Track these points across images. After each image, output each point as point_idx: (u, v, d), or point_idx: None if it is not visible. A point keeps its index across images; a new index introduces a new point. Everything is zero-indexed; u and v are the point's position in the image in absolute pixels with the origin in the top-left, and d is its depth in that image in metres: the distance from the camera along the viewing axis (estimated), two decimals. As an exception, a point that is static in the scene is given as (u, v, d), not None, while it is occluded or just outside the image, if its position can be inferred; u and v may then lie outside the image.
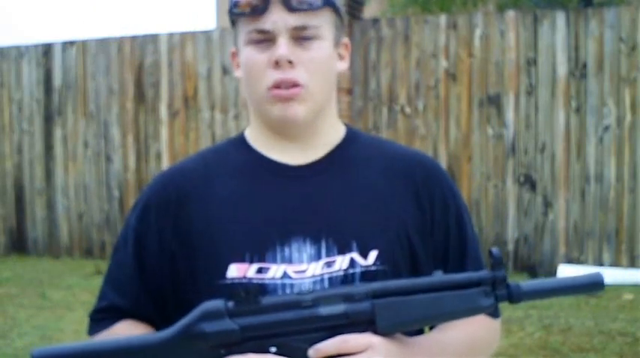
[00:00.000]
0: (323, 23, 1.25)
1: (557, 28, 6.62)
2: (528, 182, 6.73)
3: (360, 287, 1.13)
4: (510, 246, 6.79)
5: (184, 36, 7.74)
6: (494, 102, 6.79)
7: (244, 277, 1.20)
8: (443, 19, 7.02)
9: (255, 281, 1.19)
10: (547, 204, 6.68)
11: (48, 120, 8.20)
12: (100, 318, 1.33)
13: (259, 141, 1.32)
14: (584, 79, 6.56)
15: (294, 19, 1.22)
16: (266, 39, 1.23)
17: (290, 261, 1.21)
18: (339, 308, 1.11)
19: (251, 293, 1.10)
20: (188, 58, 7.69)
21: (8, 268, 7.57)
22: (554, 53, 6.62)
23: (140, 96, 7.88)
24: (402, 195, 1.28)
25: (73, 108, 8.11)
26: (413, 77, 7.00)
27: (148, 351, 1.13)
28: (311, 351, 1.10)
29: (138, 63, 7.88)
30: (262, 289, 1.17)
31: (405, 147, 1.40)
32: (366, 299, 1.12)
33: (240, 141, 1.34)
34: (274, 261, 1.21)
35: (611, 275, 6.30)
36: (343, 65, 1.33)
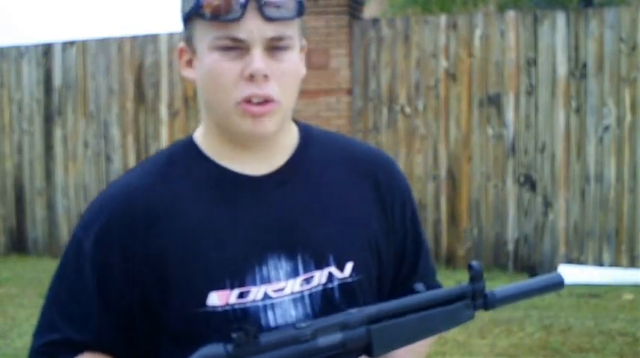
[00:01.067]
0: (294, 33, 1.17)
1: (557, 28, 6.62)
2: (528, 182, 6.73)
3: (356, 315, 1.12)
4: (510, 246, 6.79)
5: (184, 36, 7.73)
6: (494, 102, 6.79)
7: (227, 304, 1.13)
8: (443, 19, 7.02)
9: (237, 307, 1.14)
10: (547, 204, 6.68)
11: (48, 120, 8.20)
12: (51, 352, 1.18)
13: (215, 151, 1.21)
14: (584, 79, 6.57)
15: (270, 30, 1.12)
16: (236, 47, 1.12)
17: (269, 281, 1.15)
18: (336, 337, 1.10)
19: (250, 333, 1.06)
20: (188, 58, 7.69)
21: (8, 268, 7.57)
22: (554, 53, 6.62)
23: (140, 96, 7.88)
24: (367, 197, 1.25)
25: (73, 108, 8.11)
26: (413, 77, 7.00)
27: None
28: None
29: (138, 63, 7.88)
30: (244, 314, 1.14)
31: (361, 144, 1.35)
32: (361, 326, 1.12)
33: (193, 150, 1.22)
34: (254, 283, 1.15)
35: (611, 275, 6.30)
36: (304, 70, 1.23)
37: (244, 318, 1.13)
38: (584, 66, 6.56)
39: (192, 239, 1.15)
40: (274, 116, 1.15)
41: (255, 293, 1.14)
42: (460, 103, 6.89)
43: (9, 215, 8.40)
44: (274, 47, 1.14)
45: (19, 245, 8.37)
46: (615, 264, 6.53)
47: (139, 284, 1.15)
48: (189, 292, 1.14)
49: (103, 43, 8.01)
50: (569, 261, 6.61)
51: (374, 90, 7.10)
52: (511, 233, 6.79)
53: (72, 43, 8.14)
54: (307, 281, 1.17)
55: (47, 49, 8.21)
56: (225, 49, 1.13)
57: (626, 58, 6.46)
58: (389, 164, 1.31)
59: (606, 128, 6.52)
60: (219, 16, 1.11)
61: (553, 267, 6.57)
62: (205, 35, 1.14)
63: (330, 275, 1.18)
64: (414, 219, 1.31)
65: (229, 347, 1.06)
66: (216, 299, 1.13)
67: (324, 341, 1.10)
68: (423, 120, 6.99)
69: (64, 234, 8.15)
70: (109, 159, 7.99)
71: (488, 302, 1.20)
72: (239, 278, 1.14)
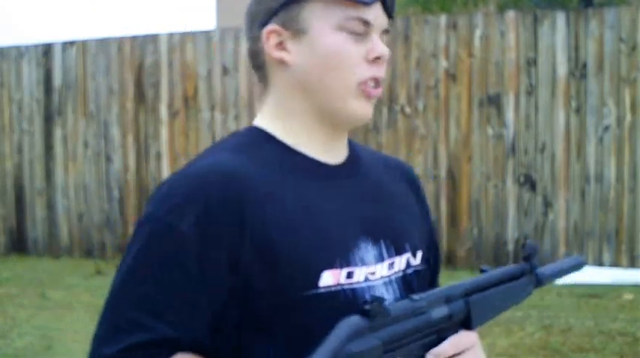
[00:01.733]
0: None
1: (557, 29, 6.62)
2: (528, 182, 6.73)
3: (455, 288, 1.16)
4: (510, 246, 6.79)
5: (184, 36, 7.74)
6: (494, 102, 6.79)
7: (338, 284, 1.11)
8: (443, 19, 7.02)
9: (347, 287, 1.12)
10: (547, 204, 6.69)
11: (48, 120, 8.20)
12: (142, 356, 1.03)
13: (292, 137, 1.19)
14: (584, 79, 6.57)
15: (386, 22, 1.20)
16: (361, 32, 1.16)
17: (365, 263, 1.16)
18: (443, 310, 1.13)
19: (380, 304, 1.04)
20: (188, 58, 7.69)
21: (8, 268, 7.57)
22: (554, 53, 6.62)
23: (140, 96, 7.88)
24: (412, 199, 1.32)
25: (73, 108, 8.11)
26: (413, 77, 7.00)
27: None
28: (430, 357, 1.10)
29: (138, 63, 7.88)
30: (353, 295, 1.12)
31: (384, 153, 1.44)
32: (461, 299, 1.16)
33: (266, 137, 1.19)
34: (356, 263, 1.14)
35: (611, 275, 6.30)
36: None
37: (353, 299, 1.11)
38: (584, 66, 6.56)
39: (298, 222, 1.11)
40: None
41: (359, 274, 1.15)
42: (460, 103, 6.89)
43: (9, 215, 8.40)
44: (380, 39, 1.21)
45: (19, 245, 8.37)
46: (615, 264, 6.53)
47: (243, 269, 1.07)
48: (301, 272, 1.08)
49: (103, 43, 8.01)
50: (569, 261, 6.60)
51: (374, 91, 7.09)
52: (511, 233, 6.79)
53: (72, 43, 8.14)
54: (390, 266, 1.20)
55: (47, 49, 8.21)
56: (352, 32, 1.16)
57: (626, 58, 6.46)
58: (412, 170, 1.39)
59: (606, 128, 6.52)
60: None
61: (553, 267, 6.57)
62: (329, 15, 1.15)
63: (408, 262, 1.22)
64: (432, 223, 1.39)
65: (365, 319, 1.04)
66: (330, 278, 1.10)
67: (436, 313, 1.12)
68: (423, 120, 6.99)
69: (64, 234, 8.15)
70: (109, 159, 7.98)
71: (540, 279, 1.29)
72: (346, 258, 1.14)
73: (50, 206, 8.22)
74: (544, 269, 1.32)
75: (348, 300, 1.11)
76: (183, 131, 7.72)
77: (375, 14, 1.17)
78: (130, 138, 7.90)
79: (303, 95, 1.18)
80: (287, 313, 1.08)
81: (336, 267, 1.12)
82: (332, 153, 1.21)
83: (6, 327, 5.28)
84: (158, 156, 7.80)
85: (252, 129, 1.21)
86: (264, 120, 1.21)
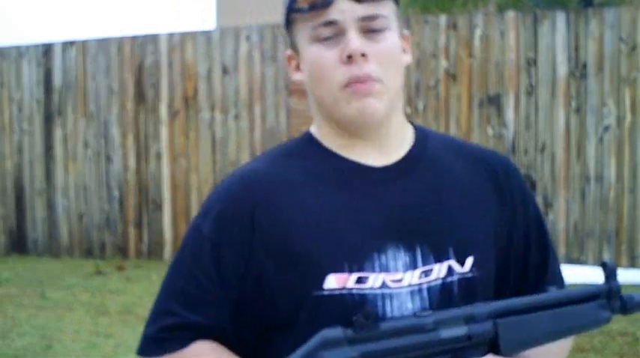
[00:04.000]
0: (389, 13, 1.19)
1: (557, 29, 6.62)
2: (528, 182, 6.73)
3: (481, 307, 1.09)
4: (510, 246, 6.78)
5: (184, 36, 7.74)
6: (494, 102, 6.79)
7: (344, 288, 1.12)
8: (443, 19, 7.02)
9: (355, 292, 1.12)
10: (547, 205, 6.69)
11: (48, 120, 8.20)
12: (167, 338, 1.17)
13: (333, 142, 1.22)
14: (584, 79, 6.57)
15: (362, 9, 1.15)
16: (333, 34, 1.15)
17: (387, 270, 1.14)
18: (461, 330, 1.07)
19: (370, 317, 1.05)
20: (188, 58, 7.69)
21: (8, 268, 7.56)
22: (554, 53, 6.62)
23: (140, 97, 7.88)
24: (487, 193, 1.24)
25: (73, 108, 8.11)
26: (413, 77, 7.00)
27: None
28: None
29: (138, 63, 7.88)
30: (362, 300, 1.12)
31: (479, 145, 1.35)
32: (488, 320, 1.09)
33: (311, 142, 1.24)
34: (372, 270, 1.13)
35: (611, 275, 6.30)
36: (407, 58, 1.27)
37: (362, 304, 1.12)
38: (584, 66, 6.56)
39: (312, 224, 1.15)
40: (380, 97, 1.16)
41: (374, 280, 1.13)
42: (460, 103, 6.89)
43: (9, 215, 8.40)
44: (370, 29, 1.16)
45: (19, 245, 8.36)
46: (615, 264, 6.50)
47: (255, 268, 1.16)
48: (307, 274, 1.13)
49: (103, 43, 8.01)
50: (569, 261, 6.61)
51: (374, 91, 7.09)
52: (511, 233, 6.78)
53: (72, 43, 8.14)
54: (426, 274, 1.15)
55: (47, 49, 8.21)
56: (323, 39, 1.16)
57: (626, 58, 6.46)
58: (506, 162, 1.30)
59: (606, 128, 6.52)
60: (315, 5, 1.15)
61: (553, 267, 6.57)
62: (304, 30, 1.18)
63: (450, 269, 1.16)
64: (537, 218, 1.29)
65: (349, 331, 1.05)
66: (334, 281, 1.12)
67: (447, 332, 1.07)
68: (423, 120, 6.98)
69: (64, 234, 8.15)
70: (109, 159, 7.98)
71: (627, 305, 1.15)
72: (358, 263, 1.13)
73: (50, 206, 8.21)
74: (638, 295, 1.17)
75: (356, 305, 1.12)
76: (183, 131, 7.72)
77: (341, 9, 1.14)
78: (130, 138, 7.90)
79: (318, 108, 1.23)
80: (302, 309, 1.13)
81: (344, 271, 1.13)
82: (373, 156, 1.20)
83: (6, 327, 5.28)
84: (158, 156, 7.80)
85: (305, 135, 1.27)
86: (313, 128, 1.27)
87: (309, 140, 1.24)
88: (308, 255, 1.14)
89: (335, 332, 1.06)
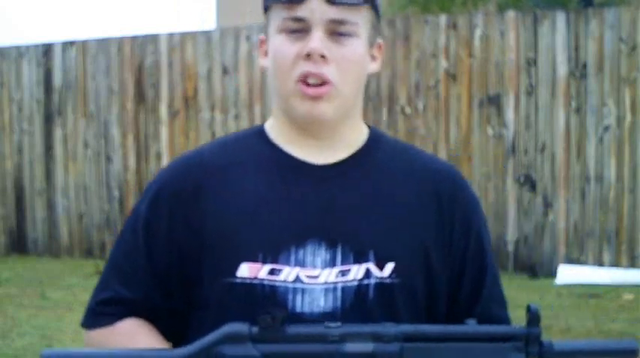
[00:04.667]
0: (360, 21, 1.19)
1: (557, 29, 6.62)
2: (528, 182, 6.73)
3: (391, 328, 1.08)
4: (510, 247, 6.78)
5: (184, 36, 7.74)
6: (494, 102, 6.79)
7: (255, 278, 1.15)
8: (443, 19, 7.02)
9: (265, 283, 1.14)
10: (547, 205, 6.68)
11: (48, 120, 8.20)
12: (102, 312, 1.24)
13: (282, 136, 1.24)
14: (584, 79, 6.57)
15: (332, 12, 1.16)
16: (300, 29, 1.17)
17: (303, 265, 1.15)
18: (366, 347, 1.06)
19: (277, 319, 1.06)
20: (188, 58, 7.69)
21: (8, 268, 7.56)
22: (554, 53, 6.62)
23: (140, 97, 7.88)
24: (425, 207, 1.23)
25: (73, 108, 8.11)
26: (413, 77, 7.00)
27: None
28: None
29: (138, 63, 7.88)
30: (272, 292, 1.14)
31: (432, 157, 1.35)
32: (396, 341, 1.07)
33: (261, 134, 1.27)
34: (288, 263, 1.15)
35: (611, 275, 6.30)
36: (375, 66, 1.28)
37: (272, 296, 1.14)
38: (584, 66, 6.56)
39: (232, 212, 1.19)
40: (332, 100, 1.18)
41: (287, 273, 1.14)
42: (460, 103, 6.89)
43: (9, 215, 8.40)
44: (337, 32, 1.17)
45: (19, 245, 8.36)
46: (615, 264, 6.53)
47: (178, 250, 1.20)
48: (221, 261, 1.16)
49: (103, 43, 8.01)
50: (569, 261, 6.61)
51: (374, 91, 7.09)
52: (511, 233, 6.78)
53: (72, 43, 8.14)
54: (343, 273, 1.15)
55: (47, 49, 8.21)
56: (290, 31, 1.18)
57: (626, 58, 6.46)
58: (456, 180, 1.28)
59: (606, 128, 6.52)
60: None
61: (553, 267, 6.58)
62: (274, 19, 1.20)
63: (368, 272, 1.16)
64: (478, 240, 1.26)
65: (254, 329, 1.06)
66: (246, 270, 1.15)
67: (352, 347, 1.06)
68: (423, 120, 6.99)
69: (64, 234, 8.15)
70: (109, 159, 7.98)
71: (545, 352, 1.10)
72: (273, 254, 1.15)
73: (50, 206, 8.21)
74: (563, 344, 1.12)
75: (266, 296, 1.14)
76: (183, 131, 7.72)
77: (312, 8, 1.15)
78: (130, 138, 7.90)
79: (274, 97, 1.26)
80: (216, 294, 1.16)
81: (257, 261, 1.15)
82: (318, 154, 1.22)
83: (6, 327, 5.28)
84: (158, 156, 7.80)
85: (257, 127, 1.30)
86: (268, 121, 1.30)
87: (258, 133, 1.27)
88: (226, 241, 1.17)
89: (240, 327, 1.07)
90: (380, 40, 1.27)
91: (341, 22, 1.17)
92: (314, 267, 1.15)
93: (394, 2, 10.96)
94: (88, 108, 8.05)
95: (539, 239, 6.72)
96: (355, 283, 1.15)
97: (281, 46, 1.19)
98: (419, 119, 7.00)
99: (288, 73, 1.18)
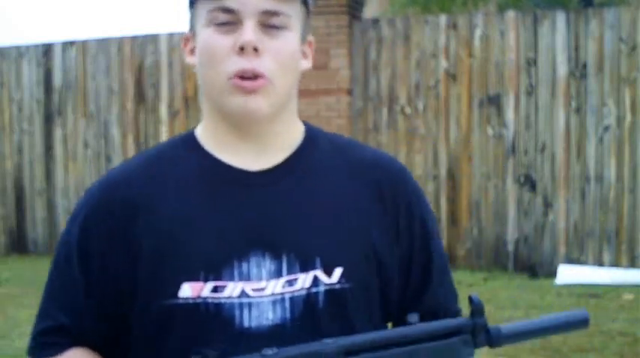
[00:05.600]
0: (293, 14, 1.13)
1: (557, 29, 6.62)
2: (528, 182, 6.73)
3: (329, 345, 1.02)
4: (510, 247, 6.79)
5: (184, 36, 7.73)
6: (494, 102, 6.79)
7: (199, 296, 1.09)
8: (443, 19, 7.02)
9: (209, 301, 1.09)
10: (547, 205, 6.68)
11: (48, 120, 8.20)
12: (47, 342, 1.17)
13: (213, 141, 1.18)
14: (584, 79, 6.57)
15: (264, 2, 1.10)
16: (230, 21, 1.10)
17: (248, 278, 1.10)
18: None
19: (210, 357, 1.02)
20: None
21: (8, 268, 7.56)
22: (554, 53, 6.62)
23: (140, 97, 7.88)
24: (367, 203, 1.18)
25: (73, 108, 8.11)
26: (413, 77, 7.00)
27: None
28: None
29: (138, 63, 7.88)
30: (217, 310, 1.09)
31: (369, 149, 1.28)
32: (338, 357, 1.02)
33: (191, 142, 1.20)
34: (231, 278, 1.09)
35: (611, 275, 6.30)
36: (306, 64, 1.20)
37: (218, 313, 1.09)
38: (584, 66, 6.56)
39: (168, 231, 1.12)
40: (267, 95, 1.11)
41: (232, 289, 1.09)
42: (460, 103, 6.89)
43: (9, 215, 8.40)
44: (270, 25, 1.11)
45: (19, 245, 8.37)
46: (615, 264, 6.53)
47: (114, 275, 1.14)
48: (161, 283, 1.10)
49: (103, 43, 8.01)
50: (569, 261, 6.61)
51: (374, 91, 7.10)
52: (511, 233, 6.78)
53: (72, 43, 8.14)
54: (290, 283, 1.11)
55: (47, 49, 8.21)
56: (220, 24, 1.11)
57: (626, 58, 6.46)
58: (396, 171, 1.24)
59: (606, 128, 6.52)
60: None
61: (553, 267, 6.58)
62: (201, 12, 1.14)
63: (316, 279, 1.11)
64: (423, 228, 1.22)
65: None
66: (188, 290, 1.09)
67: None
68: (423, 120, 6.99)
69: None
70: (109, 159, 7.98)
71: (493, 339, 1.10)
72: (215, 271, 1.10)
73: (50, 206, 8.22)
74: (510, 326, 1.11)
75: (210, 315, 1.09)
76: (183, 131, 7.71)
77: (242, 0, 1.10)
78: (130, 138, 7.90)
79: (205, 97, 1.19)
80: (156, 318, 1.10)
81: (199, 280, 1.09)
82: (251, 158, 1.17)
83: (6, 327, 5.28)
84: (158, 156, 7.80)
85: (187, 133, 1.23)
86: (200, 125, 1.23)
87: (188, 140, 1.21)
88: (164, 262, 1.11)
89: None
90: (311, 37, 1.21)
91: (274, 14, 1.11)
92: (259, 279, 1.10)
93: (394, 2, 10.96)
94: (88, 108, 8.05)
95: (539, 239, 6.72)
96: (304, 292, 1.11)
97: (211, 39, 1.12)
98: (419, 119, 7.00)
99: (221, 68, 1.11)
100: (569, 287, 6.06)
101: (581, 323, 1.14)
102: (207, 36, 1.13)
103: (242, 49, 1.09)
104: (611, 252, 6.55)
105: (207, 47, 1.13)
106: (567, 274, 6.38)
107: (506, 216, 6.79)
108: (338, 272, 1.12)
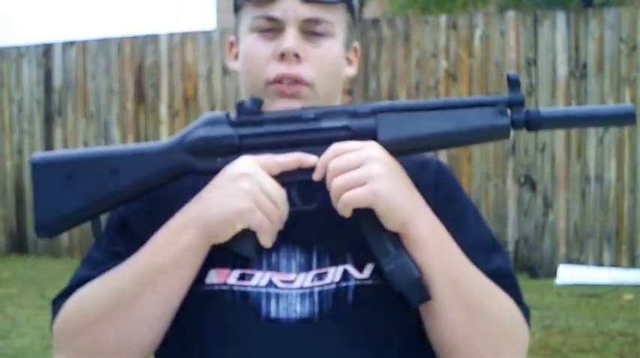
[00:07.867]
0: (336, 21, 1.14)
1: (557, 29, 6.62)
2: (528, 182, 6.73)
3: (365, 106, 1.09)
4: (510, 247, 6.78)
5: (184, 36, 7.74)
6: (495, 102, 6.79)
7: (225, 283, 1.09)
8: (443, 19, 7.02)
9: (236, 289, 1.09)
10: (547, 205, 6.68)
11: (48, 120, 8.20)
12: (68, 294, 1.17)
13: None
14: (584, 79, 6.57)
15: (306, 10, 1.11)
16: (273, 28, 1.12)
17: (277, 269, 1.10)
18: (341, 122, 1.08)
19: (256, 103, 1.09)
20: (188, 58, 7.70)
21: (8, 268, 7.56)
22: (554, 53, 6.62)
23: (140, 97, 7.88)
24: None
25: (73, 108, 8.11)
26: (413, 77, 7.01)
27: (147, 155, 1.12)
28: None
29: (138, 63, 7.88)
30: (244, 297, 1.09)
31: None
32: (371, 115, 1.08)
33: None
34: (259, 267, 1.10)
35: (611, 275, 6.31)
36: (351, 70, 1.22)
37: (244, 302, 1.09)
38: (584, 66, 6.56)
39: None
40: (307, 101, 1.12)
41: (259, 278, 1.10)
42: (460, 103, 6.89)
43: (9, 215, 8.40)
44: (312, 32, 1.12)
45: (19, 245, 8.37)
46: (615, 264, 6.53)
47: None
48: None
49: (103, 43, 8.01)
50: (569, 261, 6.61)
51: (374, 90, 7.10)
52: (511, 233, 6.78)
53: (72, 43, 8.14)
54: (320, 277, 1.10)
55: (47, 49, 8.21)
56: (262, 30, 1.13)
57: (626, 58, 6.46)
58: (434, 168, 1.21)
59: (606, 128, 6.52)
60: None
61: (553, 268, 6.58)
62: (245, 19, 1.16)
63: (346, 274, 1.10)
64: (461, 222, 1.16)
65: (231, 113, 1.10)
66: (214, 276, 1.10)
67: (327, 123, 1.08)
68: (423, 120, 6.98)
69: (64, 234, 8.13)
70: (109, 159, 7.98)
71: (531, 119, 1.04)
72: (242, 259, 1.10)
73: (50, 206, 8.20)
74: (553, 110, 1.06)
75: (236, 302, 1.09)
76: (183, 131, 7.72)
77: (285, 7, 1.11)
78: (130, 139, 7.89)
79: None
80: (186, 303, 1.10)
81: (226, 267, 1.10)
82: None
83: (6, 327, 5.28)
84: (158, 156, 7.80)
85: None
86: None
87: None
88: None
89: (218, 114, 1.11)
90: (356, 44, 1.22)
91: (316, 21, 1.12)
92: (289, 271, 1.10)
93: (394, 2, 10.96)
94: (88, 109, 8.05)
95: (539, 239, 6.72)
96: (333, 286, 1.10)
97: (253, 45, 1.13)
98: (419, 119, 6.99)
99: (261, 74, 1.12)
100: (570, 288, 6.05)
101: (627, 117, 1.06)
102: (250, 42, 1.14)
103: (283, 55, 1.10)
104: (612, 253, 6.55)
105: (248, 53, 1.14)
106: (567, 274, 6.38)
107: (507, 216, 6.79)
108: (369, 268, 1.10)
